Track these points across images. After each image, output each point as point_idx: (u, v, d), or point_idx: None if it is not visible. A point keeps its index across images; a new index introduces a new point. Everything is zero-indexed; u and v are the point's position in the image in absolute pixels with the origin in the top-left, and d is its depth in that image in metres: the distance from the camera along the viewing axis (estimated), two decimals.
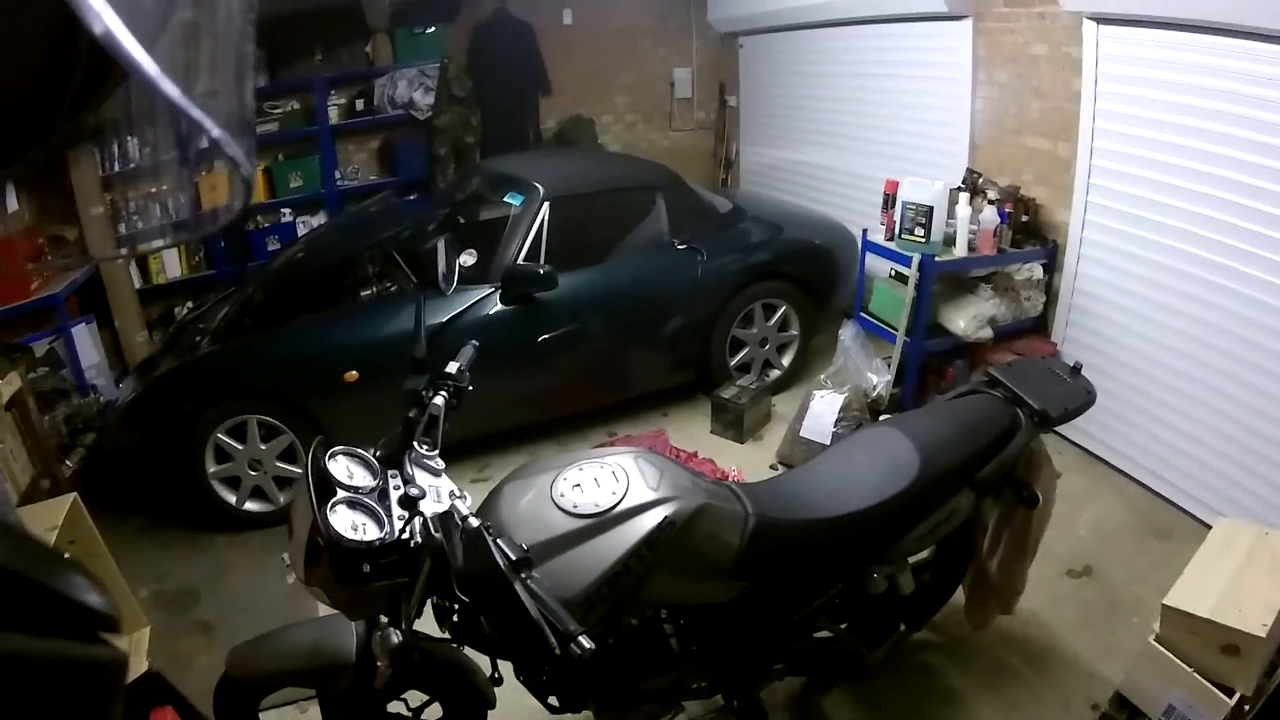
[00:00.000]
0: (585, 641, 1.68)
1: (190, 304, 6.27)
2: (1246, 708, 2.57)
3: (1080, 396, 3.05)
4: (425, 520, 2.01)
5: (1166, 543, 4.01)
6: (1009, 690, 3.30)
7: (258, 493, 4.45)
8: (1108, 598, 3.77)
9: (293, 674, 2.52)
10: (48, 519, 3.22)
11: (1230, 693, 2.56)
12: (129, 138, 5.55)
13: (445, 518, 2.01)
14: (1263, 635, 2.50)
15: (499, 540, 1.85)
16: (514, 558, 1.81)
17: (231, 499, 4.41)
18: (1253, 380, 3.94)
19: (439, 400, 2.37)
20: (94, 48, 0.67)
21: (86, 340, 5.27)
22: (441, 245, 4.75)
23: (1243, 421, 4.01)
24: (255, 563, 4.17)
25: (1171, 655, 2.66)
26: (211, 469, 4.32)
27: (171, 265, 6.79)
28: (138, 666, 3.30)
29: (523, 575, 1.81)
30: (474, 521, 1.95)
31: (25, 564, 1.21)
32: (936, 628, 3.46)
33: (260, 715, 2.75)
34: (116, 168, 5.94)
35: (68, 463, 4.59)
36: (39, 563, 1.24)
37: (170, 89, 0.66)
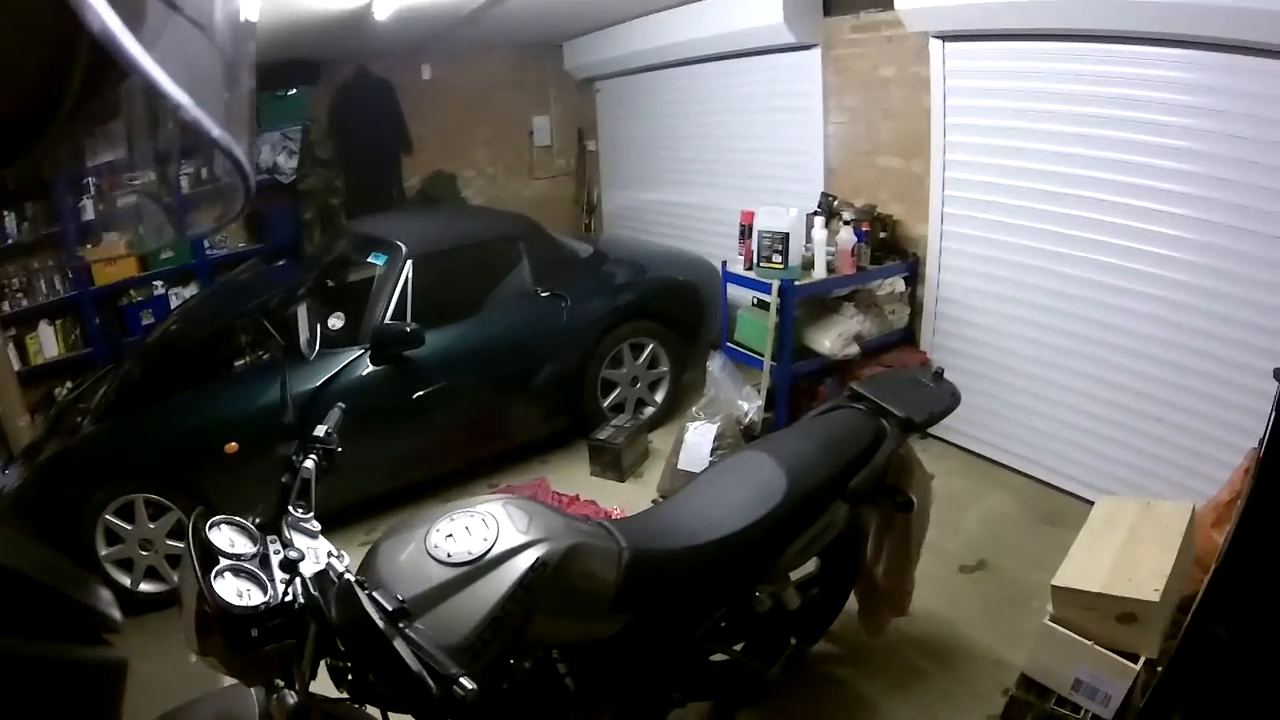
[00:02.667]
0: (467, 683, 1.72)
1: (70, 384, 6.12)
2: (1159, 669, 2.65)
3: (945, 400, 3.18)
4: (304, 581, 2.02)
5: (1056, 527, 4.09)
6: (918, 690, 3.37)
7: (151, 573, 4.36)
8: (1005, 588, 3.89)
9: None
10: None
11: (1135, 658, 2.65)
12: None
13: (320, 576, 2.03)
14: (1156, 599, 2.60)
15: (374, 594, 1.88)
16: (389, 609, 1.84)
17: (126, 581, 4.31)
18: (1115, 360, 4.21)
19: (309, 464, 2.38)
20: (94, 47, 0.66)
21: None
22: (302, 311, 4.74)
23: (1110, 400, 4.26)
24: (156, 644, 4.02)
25: (1069, 632, 2.74)
26: (103, 552, 4.23)
27: (49, 345, 6.62)
28: None
29: (400, 625, 1.84)
30: (348, 577, 1.98)
31: (43, 572, 1.21)
32: (837, 639, 3.53)
33: None
34: None
35: None
36: (56, 571, 1.24)
37: (170, 88, 0.68)
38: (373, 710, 2.33)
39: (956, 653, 3.54)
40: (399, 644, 1.81)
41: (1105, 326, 4.23)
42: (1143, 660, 2.66)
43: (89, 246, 6.70)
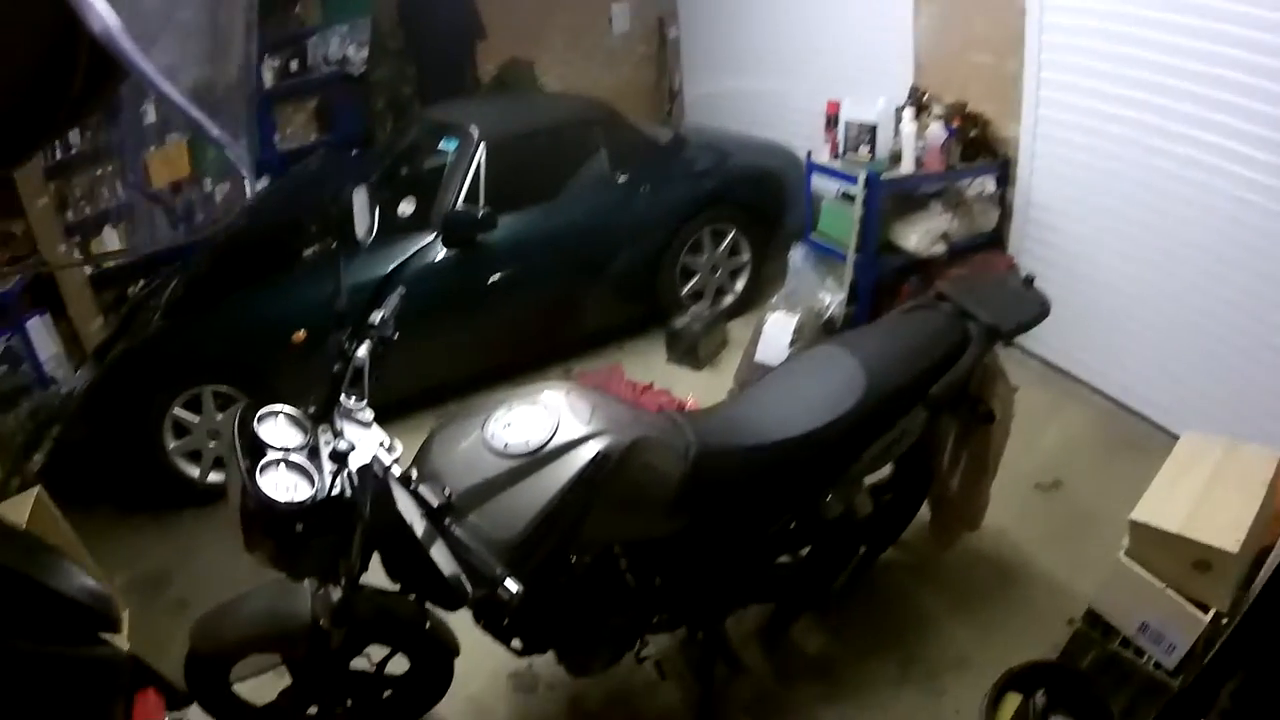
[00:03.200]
0: (512, 585, 1.66)
1: (142, 282, 6.15)
2: (1225, 622, 2.50)
3: (1033, 309, 3.00)
4: (351, 474, 1.97)
5: (1135, 455, 3.91)
6: (982, 609, 3.30)
7: (219, 464, 4.40)
8: (1078, 511, 3.76)
9: (253, 641, 2.51)
10: (13, 517, 3.16)
11: (1205, 609, 2.51)
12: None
13: (365, 471, 1.97)
14: (1236, 550, 2.44)
15: (420, 488, 1.84)
16: (434, 504, 1.78)
17: (195, 473, 4.38)
18: (1215, 289, 3.90)
19: (362, 352, 2.31)
20: (94, 47, 0.66)
21: (43, 334, 5.17)
22: (357, 197, 4.70)
23: (1206, 329, 3.97)
24: (223, 535, 4.11)
25: (1142, 571, 2.61)
26: (171, 445, 4.28)
27: (114, 248, 6.57)
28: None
29: (445, 522, 1.77)
30: (396, 470, 1.94)
31: (42, 572, 1.20)
32: (905, 548, 3.46)
33: (236, 685, 2.75)
34: (59, 156, 5.81)
35: (36, 457, 4.54)
36: (56, 572, 1.23)
37: (170, 89, 0.68)
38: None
39: (1023, 574, 3.46)
40: (435, 549, 1.76)
41: (1208, 250, 3.91)
42: (1212, 612, 2.51)
43: (151, 149, 6.71)
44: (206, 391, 4.26)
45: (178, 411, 4.23)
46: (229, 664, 2.64)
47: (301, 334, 4.22)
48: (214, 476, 4.40)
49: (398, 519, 1.86)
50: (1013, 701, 2.67)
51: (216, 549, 4.05)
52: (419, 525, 1.81)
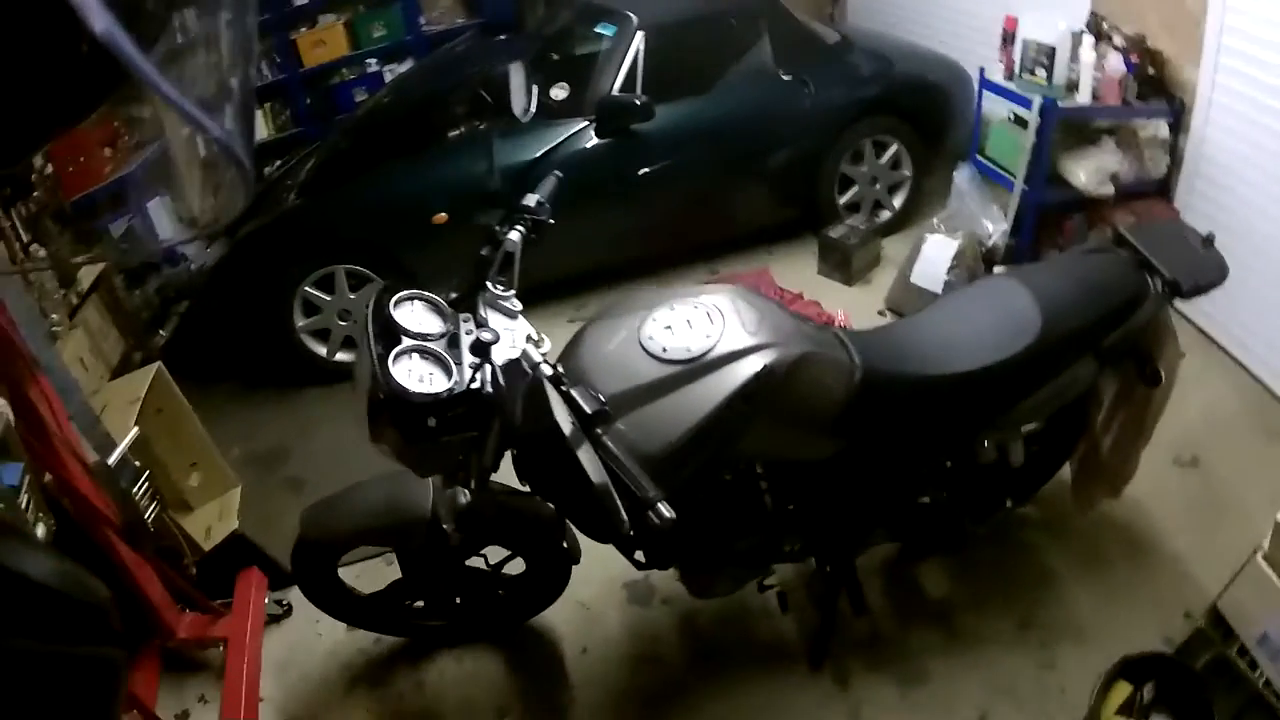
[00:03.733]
0: (665, 510, 1.56)
1: (279, 163, 6.20)
2: None
3: (1212, 270, 2.79)
4: (494, 369, 1.87)
5: (1277, 443, 3.75)
6: (1104, 578, 3.19)
7: (349, 343, 4.45)
8: (1214, 495, 3.57)
9: (367, 533, 2.49)
10: (131, 390, 3.22)
11: None
12: None
13: (512, 366, 1.88)
14: None
15: (573, 391, 1.74)
16: (589, 410, 1.68)
17: (322, 352, 4.43)
18: None
19: (514, 236, 2.23)
20: (95, 48, 0.68)
21: (162, 215, 5.20)
22: (515, 72, 4.58)
23: None
24: (345, 415, 4.16)
25: (1277, 577, 2.40)
26: (300, 323, 4.33)
27: (258, 128, 6.70)
28: (226, 527, 3.34)
29: (598, 431, 1.67)
30: (546, 369, 1.84)
31: (43, 573, 1.20)
32: (1039, 503, 3.34)
33: (342, 571, 2.73)
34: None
35: (161, 333, 4.64)
36: (56, 572, 1.24)
37: (169, 90, 0.69)
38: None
39: (1151, 551, 3.30)
40: (588, 464, 1.65)
41: None
42: None
43: (303, 30, 6.74)
44: (340, 271, 4.27)
45: (309, 289, 4.26)
46: (338, 553, 2.63)
47: (443, 216, 4.22)
48: (341, 355, 4.43)
49: (544, 430, 1.76)
50: (1122, 690, 2.56)
51: (336, 429, 4.10)
52: (569, 430, 1.71)
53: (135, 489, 2.50)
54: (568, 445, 1.69)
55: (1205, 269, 2.77)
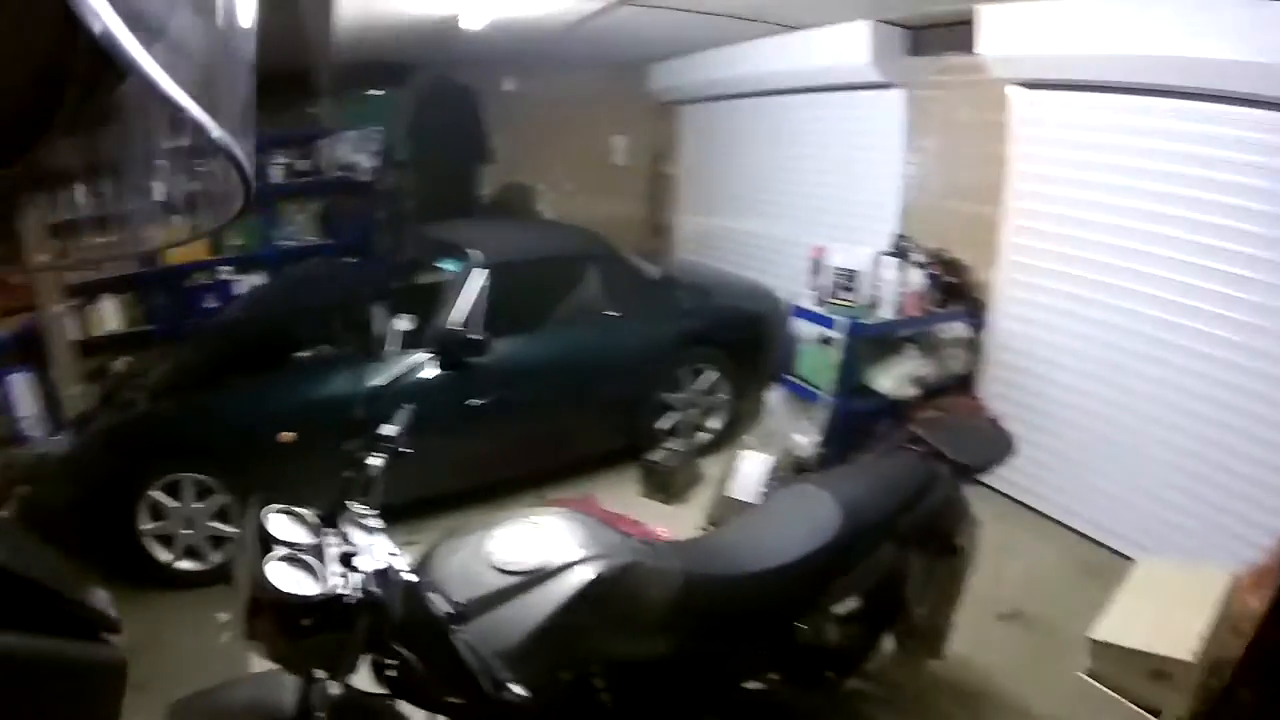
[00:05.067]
0: (517, 689, 1.76)
1: (128, 359, 6.24)
2: None
3: (999, 448, 3.22)
4: (362, 576, 2.06)
5: (1095, 582, 3.98)
6: None
7: (190, 552, 4.41)
8: (1040, 639, 3.86)
9: None
10: None
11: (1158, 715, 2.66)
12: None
13: (383, 573, 2.07)
14: (1192, 660, 2.62)
15: (433, 594, 1.92)
16: (448, 611, 1.89)
17: (164, 557, 4.37)
18: (1171, 419, 4.20)
19: (376, 461, 2.42)
20: (94, 47, 0.66)
21: (24, 391, 5.18)
22: (377, 310, 4.80)
23: (1163, 460, 4.25)
24: (190, 622, 4.11)
25: (1102, 687, 2.76)
26: (145, 526, 4.29)
27: (110, 319, 6.74)
28: None
29: (456, 628, 1.89)
30: (410, 576, 2.02)
31: (41, 572, 1.27)
32: (872, 677, 3.46)
33: None
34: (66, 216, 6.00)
35: (1, 514, 4.50)
36: (54, 572, 1.28)
37: (170, 88, 0.68)
38: (407, 709, 2.38)
39: (986, 701, 3.53)
40: (459, 643, 1.86)
41: (1163, 385, 4.22)
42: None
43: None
44: (187, 479, 4.29)
45: (155, 494, 4.25)
46: None
47: (289, 435, 4.32)
48: (184, 564, 4.40)
49: (419, 620, 1.94)
50: None
51: (180, 635, 4.02)
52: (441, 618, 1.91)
53: None
54: (443, 631, 1.89)
55: (992, 449, 3.19)
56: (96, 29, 0.62)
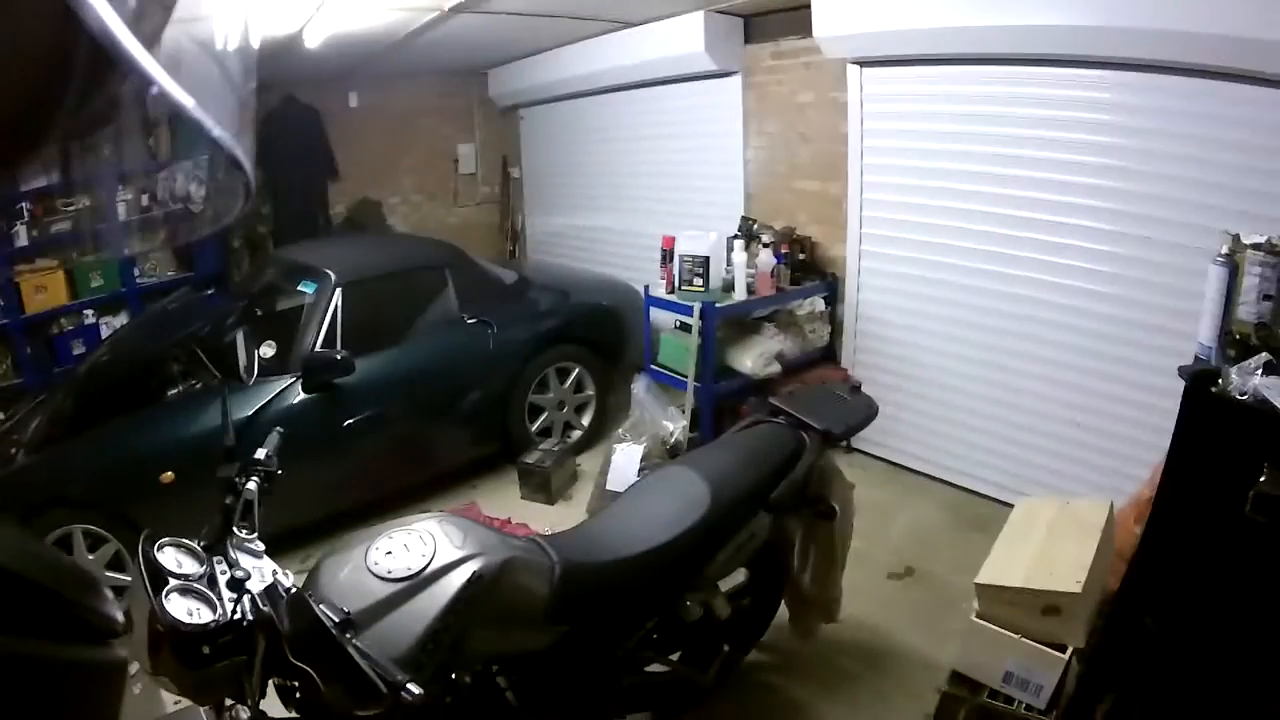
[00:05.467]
0: (414, 688, 1.79)
1: (0, 414, 6.01)
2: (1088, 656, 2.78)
3: (862, 412, 3.33)
4: (253, 597, 2.07)
5: (981, 533, 4.02)
6: (852, 692, 3.47)
7: None
8: (932, 593, 4.02)
9: None
10: None
11: (1063, 649, 2.76)
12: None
13: (270, 591, 2.08)
14: (1078, 590, 2.72)
15: (321, 605, 1.96)
16: (336, 620, 1.91)
17: None
18: (1031, 369, 4.44)
19: (251, 485, 2.44)
20: (94, 46, 0.65)
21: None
22: (240, 338, 4.73)
23: (1029, 408, 4.49)
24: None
25: (996, 628, 2.84)
26: None
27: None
28: None
29: (347, 636, 1.90)
30: (294, 589, 2.05)
31: (42, 572, 1.23)
32: (771, 648, 3.62)
33: None
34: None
35: None
36: (55, 572, 1.25)
37: (171, 87, 0.68)
38: None
39: (888, 656, 3.66)
40: (351, 649, 1.87)
41: (1020, 336, 4.44)
42: (1071, 650, 2.76)
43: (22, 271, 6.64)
44: (77, 531, 4.19)
45: None
46: None
47: (169, 475, 4.25)
48: None
49: (309, 631, 1.96)
50: None
51: None
52: (335, 631, 1.92)
53: None
54: (333, 638, 1.90)
55: (855, 413, 3.30)
56: (96, 27, 0.61)
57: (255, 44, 1.02)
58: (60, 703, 1.15)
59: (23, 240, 6.37)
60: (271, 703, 2.22)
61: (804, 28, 5.03)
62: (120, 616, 1.37)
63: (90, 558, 4.23)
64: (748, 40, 5.80)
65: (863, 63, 4.94)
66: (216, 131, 0.76)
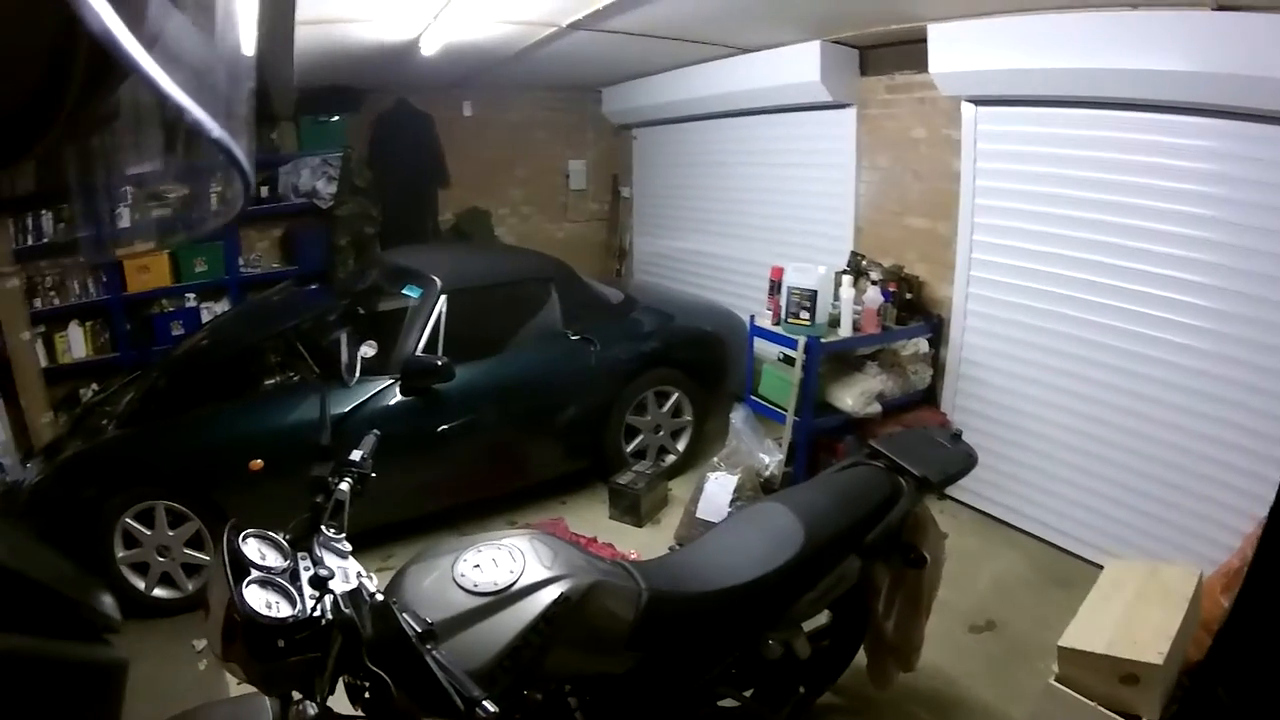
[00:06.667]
0: (490, 706, 1.78)
1: (95, 386, 6.19)
2: None
3: (961, 461, 3.25)
4: (335, 598, 2.09)
5: (1066, 590, 4.10)
6: None
7: (165, 579, 4.39)
8: (1012, 648, 3.92)
9: None
10: None
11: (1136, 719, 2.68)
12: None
13: (354, 594, 2.10)
14: (1160, 661, 2.63)
15: (405, 614, 1.95)
16: (419, 630, 1.92)
17: (140, 585, 4.35)
18: (1131, 425, 4.29)
19: (344, 486, 2.46)
20: (94, 46, 0.66)
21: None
22: (344, 338, 4.80)
23: (1126, 465, 4.34)
24: (164, 649, 4.08)
25: (1073, 692, 2.77)
26: (119, 554, 4.27)
27: (77, 346, 6.70)
28: None
29: (428, 647, 1.91)
30: (381, 597, 2.05)
31: (43, 572, 1.25)
32: (844, 691, 3.55)
33: None
34: (31, 240, 6.05)
35: None
36: (56, 571, 1.27)
37: (170, 87, 0.68)
38: None
39: (960, 709, 3.58)
40: (431, 660, 1.88)
41: (1123, 392, 4.31)
42: None
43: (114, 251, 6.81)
44: (160, 506, 4.28)
45: (128, 522, 4.24)
46: None
47: (258, 463, 4.33)
48: (159, 591, 4.38)
49: (391, 639, 1.97)
50: None
51: (154, 663, 3.98)
52: (414, 635, 1.94)
53: None
54: (415, 648, 1.91)
55: (954, 461, 3.21)
56: (95, 27, 0.62)
57: (250, 48, 1.05)
58: (61, 698, 1.16)
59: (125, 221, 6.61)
60: (335, 697, 2.26)
61: (919, 62, 4.96)
62: (118, 615, 1.37)
63: (171, 534, 4.33)
64: (863, 72, 5.74)
65: (977, 101, 4.86)
66: (216, 132, 0.77)
